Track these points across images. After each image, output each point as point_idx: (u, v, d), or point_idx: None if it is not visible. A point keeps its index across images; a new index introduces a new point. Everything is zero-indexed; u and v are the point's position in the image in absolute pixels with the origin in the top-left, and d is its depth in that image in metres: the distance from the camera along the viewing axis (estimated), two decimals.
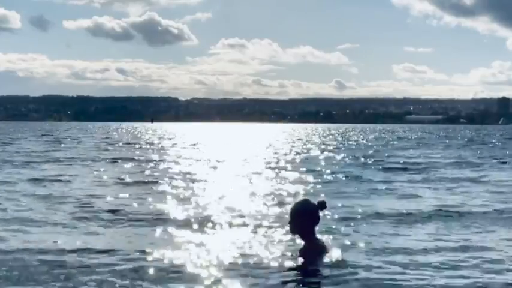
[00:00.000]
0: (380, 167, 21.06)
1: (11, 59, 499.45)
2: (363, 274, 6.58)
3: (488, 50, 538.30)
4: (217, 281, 6.36)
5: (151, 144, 41.15)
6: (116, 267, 6.79)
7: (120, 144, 40.32)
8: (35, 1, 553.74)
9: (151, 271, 6.69)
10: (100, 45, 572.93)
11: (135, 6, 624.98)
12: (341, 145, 42.07)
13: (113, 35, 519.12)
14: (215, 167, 20.59)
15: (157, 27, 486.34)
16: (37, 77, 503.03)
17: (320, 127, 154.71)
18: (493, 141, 52.21)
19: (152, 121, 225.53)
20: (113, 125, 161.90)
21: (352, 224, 9.40)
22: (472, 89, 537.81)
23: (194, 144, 40.58)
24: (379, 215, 10.35)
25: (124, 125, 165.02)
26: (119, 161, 23.05)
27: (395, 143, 47.20)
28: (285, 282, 6.35)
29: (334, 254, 7.07)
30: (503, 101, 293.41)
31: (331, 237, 8.26)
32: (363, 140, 54.82)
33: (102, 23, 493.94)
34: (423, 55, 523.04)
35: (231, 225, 9.30)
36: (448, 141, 52.35)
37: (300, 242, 7.23)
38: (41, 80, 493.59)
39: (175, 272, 6.64)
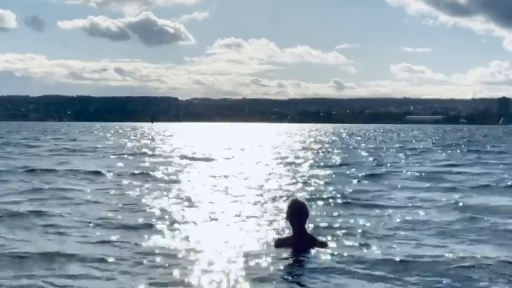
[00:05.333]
0: None
1: (9, 59, 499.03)
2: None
3: (486, 50, 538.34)
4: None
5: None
6: None
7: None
8: (31, 0, 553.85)
9: None
10: (97, 45, 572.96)
11: (132, 6, 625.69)
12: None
13: (109, 35, 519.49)
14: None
15: (153, 26, 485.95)
16: (35, 77, 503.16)
17: (319, 127, 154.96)
18: None
19: (152, 121, 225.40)
20: (112, 125, 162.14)
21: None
22: (471, 89, 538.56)
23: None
24: None
25: (123, 125, 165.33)
26: None
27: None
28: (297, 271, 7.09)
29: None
30: (503, 101, 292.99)
31: None
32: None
33: (97, 22, 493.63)
34: (421, 55, 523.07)
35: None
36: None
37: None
38: (40, 80, 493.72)
39: None
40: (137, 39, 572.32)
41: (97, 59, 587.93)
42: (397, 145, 44.02)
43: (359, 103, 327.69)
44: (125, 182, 16.28)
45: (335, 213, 11.06)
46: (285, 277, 6.88)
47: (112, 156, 27.39)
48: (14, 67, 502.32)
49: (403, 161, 26.45)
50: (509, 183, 16.59)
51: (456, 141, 53.70)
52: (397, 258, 7.70)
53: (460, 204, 12.37)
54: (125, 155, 28.16)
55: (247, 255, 7.67)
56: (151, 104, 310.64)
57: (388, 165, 23.32)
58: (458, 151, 35.11)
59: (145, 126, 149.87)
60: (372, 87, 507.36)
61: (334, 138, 62.41)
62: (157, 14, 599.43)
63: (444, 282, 6.79)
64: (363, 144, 44.48)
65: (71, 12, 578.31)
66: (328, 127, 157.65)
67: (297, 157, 27.71)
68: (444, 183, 16.77)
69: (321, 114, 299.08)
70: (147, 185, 15.36)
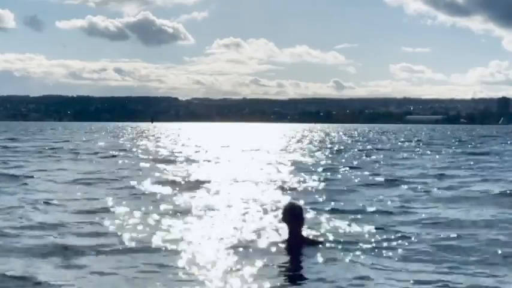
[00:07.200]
0: None
1: (8, 58, 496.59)
2: None
3: (485, 50, 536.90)
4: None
5: None
6: None
7: None
8: (29, 0, 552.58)
9: None
10: (96, 45, 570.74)
11: (130, 6, 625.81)
12: None
13: (108, 35, 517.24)
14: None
15: (151, 26, 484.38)
16: (35, 77, 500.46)
17: (319, 127, 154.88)
18: None
19: (152, 121, 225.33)
20: (111, 125, 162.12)
21: None
22: (471, 89, 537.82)
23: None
24: None
25: (123, 125, 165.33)
26: None
27: None
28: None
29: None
30: (503, 100, 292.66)
31: None
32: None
33: (96, 22, 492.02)
34: (420, 55, 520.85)
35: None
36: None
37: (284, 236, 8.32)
38: (39, 80, 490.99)
39: None
40: (136, 39, 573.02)
41: (96, 59, 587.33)
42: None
43: (359, 103, 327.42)
44: None
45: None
46: (281, 278, 6.99)
47: None
48: (14, 67, 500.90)
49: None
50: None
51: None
52: (390, 254, 8.00)
53: None
54: None
55: (243, 256, 7.78)
56: (151, 104, 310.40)
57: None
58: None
59: (144, 126, 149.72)
60: (372, 87, 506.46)
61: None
62: (156, 14, 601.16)
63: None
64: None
65: (70, 12, 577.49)
66: (328, 127, 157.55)
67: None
68: None
69: (321, 114, 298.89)
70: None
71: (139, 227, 9.81)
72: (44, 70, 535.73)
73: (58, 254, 8.02)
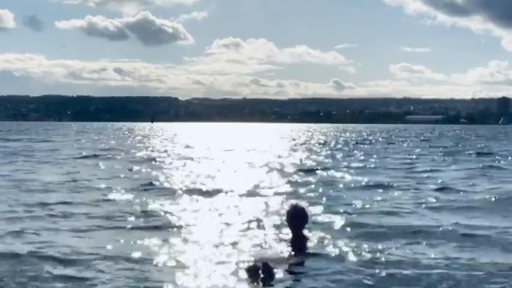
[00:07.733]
0: None
1: (8, 58, 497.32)
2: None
3: (485, 50, 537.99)
4: None
5: None
6: None
7: None
8: (29, 0, 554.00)
9: None
10: (95, 45, 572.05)
11: (130, 6, 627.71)
12: None
13: (108, 35, 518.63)
14: None
15: (151, 26, 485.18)
16: (35, 77, 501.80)
17: (315, 127, 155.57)
18: None
19: (152, 121, 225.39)
20: (110, 125, 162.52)
21: None
22: (471, 89, 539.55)
23: None
24: None
25: (123, 125, 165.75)
26: None
27: None
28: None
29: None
30: (503, 100, 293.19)
31: None
32: None
33: (95, 22, 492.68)
34: (420, 55, 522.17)
35: None
36: None
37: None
38: (39, 80, 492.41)
39: None
40: (136, 39, 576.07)
41: (96, 59, 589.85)
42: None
43: (359, 103, 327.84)
44: None
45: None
46: (282, 279, 6.90)
47: None
48: (13, 67, 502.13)
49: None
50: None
51: None
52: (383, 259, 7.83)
53: None
54: None
55: (244, 256, 7.65)
56: (151, 104, 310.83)
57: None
58: None
59: (144, 126, 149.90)
60: (372, 87, 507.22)
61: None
62: (155, 14, 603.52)
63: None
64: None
65: (69, 12, 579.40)
66: (327, 127, 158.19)
67: None
68: None
69: (321, 114, 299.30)
70: None
71: (105, 234, 9.44)
72: (43, 70, 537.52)
73: (16, 262, 7.64)
